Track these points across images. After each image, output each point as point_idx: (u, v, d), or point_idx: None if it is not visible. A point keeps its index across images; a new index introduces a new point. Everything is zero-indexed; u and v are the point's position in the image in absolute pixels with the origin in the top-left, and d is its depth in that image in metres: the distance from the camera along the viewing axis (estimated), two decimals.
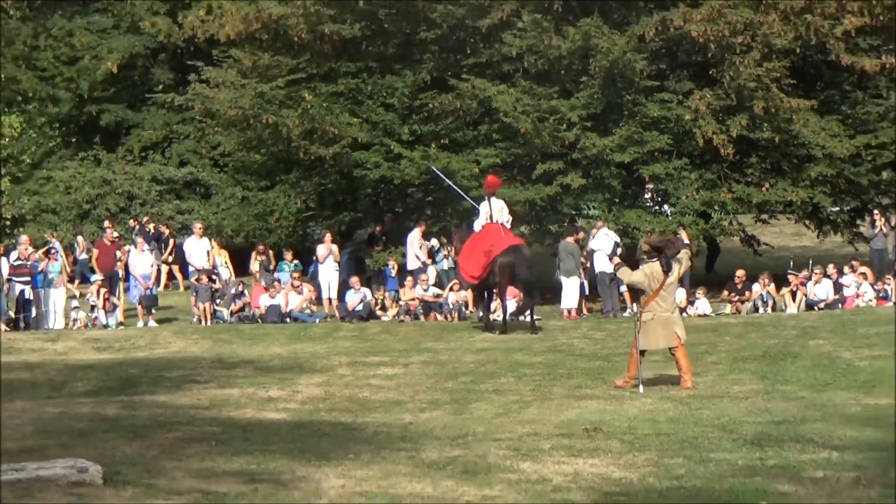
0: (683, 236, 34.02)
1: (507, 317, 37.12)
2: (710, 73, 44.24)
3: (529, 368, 28.73)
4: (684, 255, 27.31)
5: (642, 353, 25.54)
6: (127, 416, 22.52)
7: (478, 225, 37.97)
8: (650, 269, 25.97)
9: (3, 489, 16.00)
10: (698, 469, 17.06)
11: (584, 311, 41.39)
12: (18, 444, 19.63)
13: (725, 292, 42.45)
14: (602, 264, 41.27)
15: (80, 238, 46.94)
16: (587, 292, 42.20)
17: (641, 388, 25.11)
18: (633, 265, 28.11)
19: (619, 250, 41.01)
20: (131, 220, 48.18)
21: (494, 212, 37.71)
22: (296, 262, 44.65)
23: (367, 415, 22.85)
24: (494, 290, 37.65)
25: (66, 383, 27.44)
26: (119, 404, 24.10)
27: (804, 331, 34.02)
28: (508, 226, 38.24)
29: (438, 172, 42.86)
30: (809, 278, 42.86)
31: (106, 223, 47.04)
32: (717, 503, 15.19)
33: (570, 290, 41.40)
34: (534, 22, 43.31)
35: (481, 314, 38.45)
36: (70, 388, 26.70)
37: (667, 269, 25.42)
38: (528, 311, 36.98)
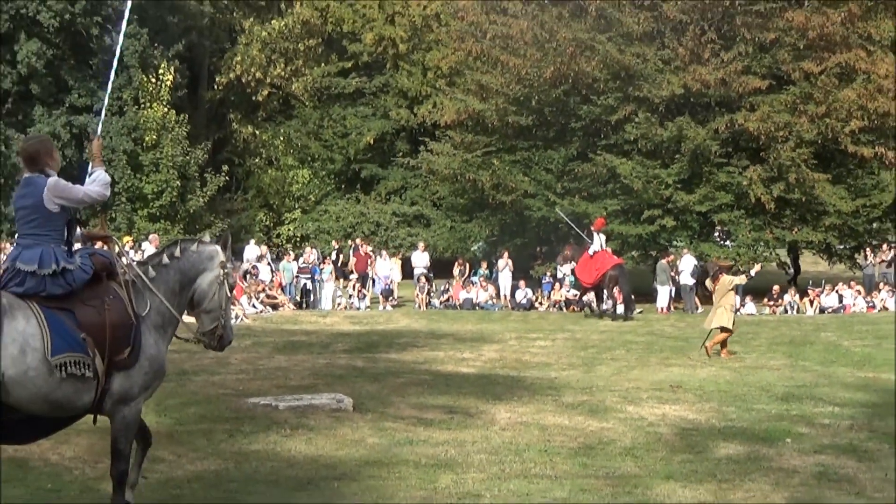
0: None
1: (616, 312, 36.99)
2: (761, 154, 43.71)
3: (634, 345, 28.47)
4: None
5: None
6: (370, 366, 22.57)
7: (591, 251, 37.82)
8: (710, 280, 27.33)
9: (287, 412, 16.16)
10: (745, 415, 17.09)
11: (672, 309, 41.12)
12: (298, 382, 19.84)
13: (765, 299, 42.08)
14: (685, 278, 41.41)
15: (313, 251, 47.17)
16: (674, 296, 41.99)
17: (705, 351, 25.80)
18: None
19: (697, 269, 41.21)
20: (350, 241, 48.39)
21: (603, 242, 38.14)
22: (485, 270, 44.65)
23: (526, 371, 22.72)
24: (605, 292, 37.69)
25: (330, 344, 27.55)
26: (364, 359, 24.18)
27: (817, 326, 33.50)
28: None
29: (562, 214, 42.97)
30: (822, 292, 42.51)
31: (358, 241, 47.12)
32: (757, 438, 15.09)
33: (663, 294, 41.43)
34: (645, 118, 43.23)
35: (584, 305, 39.26)
36: (333, 348, 26.81)
37: (712, 280, 26.75)
38: (626, 308, 36.89)
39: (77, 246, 9.90)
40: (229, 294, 10.54)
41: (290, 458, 13.62)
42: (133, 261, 10.06)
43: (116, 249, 10.14)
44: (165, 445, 14.00)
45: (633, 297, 37.95)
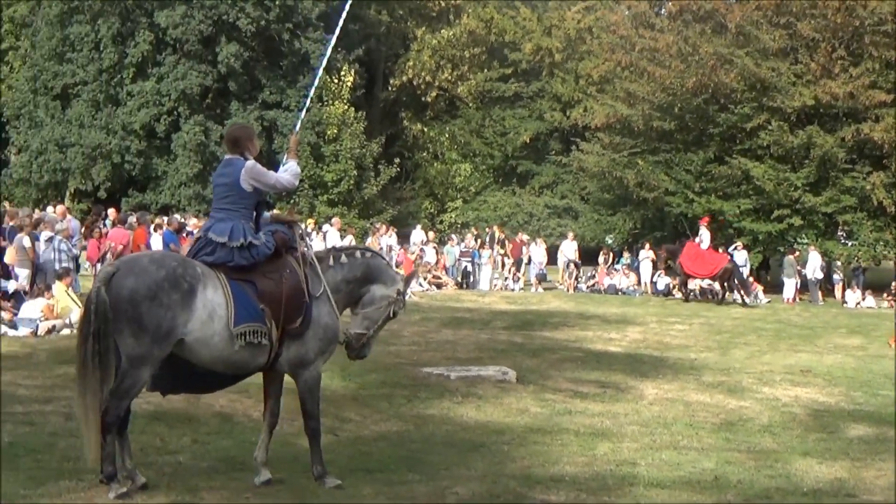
0: None
1: (744, 300, 37.02)
2: (883, 161, 42.85)
3: (764, 332, 28.09)
4: None
5: None
6: (527, 343, 22.66)
7: (704, 245, 37.92)
8: None
9: (458, 381, 16.32)
10: (871, 400, 16.88)
11: (797, 300, 40.49)
12: (465, 354, 20.00)
13: (885, 294, 41.20)
14: (811, 272, 40.79)
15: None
16: (799, 288, 41.37)
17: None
18: None
19: (822, 264, 40.77)
20: (487, 229, 48.33)
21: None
22: (627, 259, 44.49)
23: (668, 352, 22.62)
24: (726, 282, 37.77)
25: (490, 321, 27.58)
26: (522, 335, 24.27)
27: None
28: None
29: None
30: None
31: (496, 228, 47.13)
32: (884, 421, 14.87)
33: (790, 286, 40.81)
34: (778, 126, 42.58)
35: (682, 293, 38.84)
36: (493, 325, 26.84)
37: None
38: (742, 295, 37.00)
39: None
40: (387, 320, 10.61)
41: (462, 422, 13.77)
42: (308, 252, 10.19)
43: (299, 232, 10.25)
44: (352, 407, 14.25)
45: (747, 287, 38.35)
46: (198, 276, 9.23)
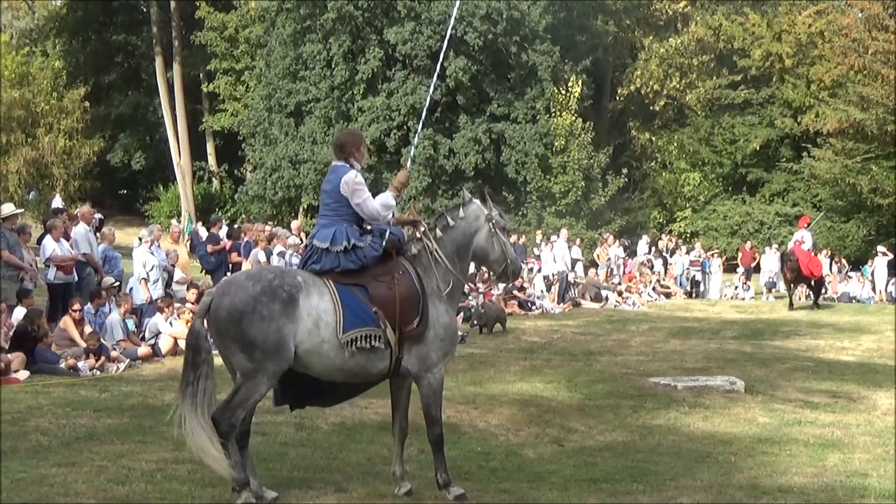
0: None
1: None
2: None
3: None
4: None
5: None
6: (757, 352, 22.29)
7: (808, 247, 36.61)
8: None
9: (685, 391, 16.21)
10: None
11: None
12: (692, 364, 19.85)
13: None
14: None
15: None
16: None
17: None
18: None
19: None
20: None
21: None
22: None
23: None
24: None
25: (719, 331, 27.23)
26: (751, 345, 23.85)
27: None
28: None
29: None
30: None
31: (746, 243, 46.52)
32: None
33: None
34: None
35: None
36: (722, 334, 26.47)
37: None
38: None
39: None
40: (503, 235, 10.30)
41: (689, 433, 13.66)
42: (432, 245, 10.02)
43: (422, 229, 10.12)
44: (578, 418, 14.29)
45: None
46: (298, 285, 9.27)
